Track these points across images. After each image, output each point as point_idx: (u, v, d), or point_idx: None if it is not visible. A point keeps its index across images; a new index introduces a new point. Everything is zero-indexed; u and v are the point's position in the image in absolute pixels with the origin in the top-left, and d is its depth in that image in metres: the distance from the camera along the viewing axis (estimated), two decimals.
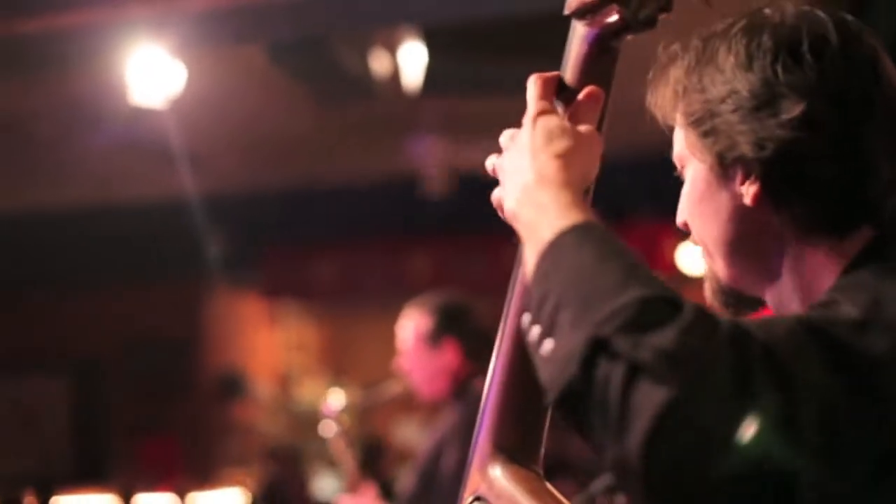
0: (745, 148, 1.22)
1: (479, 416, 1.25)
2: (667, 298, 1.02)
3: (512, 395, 1.22)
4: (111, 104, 7.04)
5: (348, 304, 11.51)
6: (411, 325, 3.72)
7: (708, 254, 1.32)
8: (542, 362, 1.03)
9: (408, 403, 4.16)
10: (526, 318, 1.07)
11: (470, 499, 1.18)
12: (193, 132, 8.05)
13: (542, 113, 1.22)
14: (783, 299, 1.24)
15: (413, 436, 12.85)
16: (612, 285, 1.02)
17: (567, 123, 1.22)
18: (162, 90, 5.66)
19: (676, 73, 1.30)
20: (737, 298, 1.31)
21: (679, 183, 1.41)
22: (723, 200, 1.27)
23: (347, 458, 4.02)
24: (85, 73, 6.47)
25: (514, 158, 1.21)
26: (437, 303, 3.75)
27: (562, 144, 1.19)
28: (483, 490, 1.17)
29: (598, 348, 0.98)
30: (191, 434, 11.65)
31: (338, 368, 14.10)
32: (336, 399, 4.15)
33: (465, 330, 3.63)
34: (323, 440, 13.27)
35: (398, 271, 10.81)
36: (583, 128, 1.22)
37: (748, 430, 0.97)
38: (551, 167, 1.17)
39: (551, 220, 1.12)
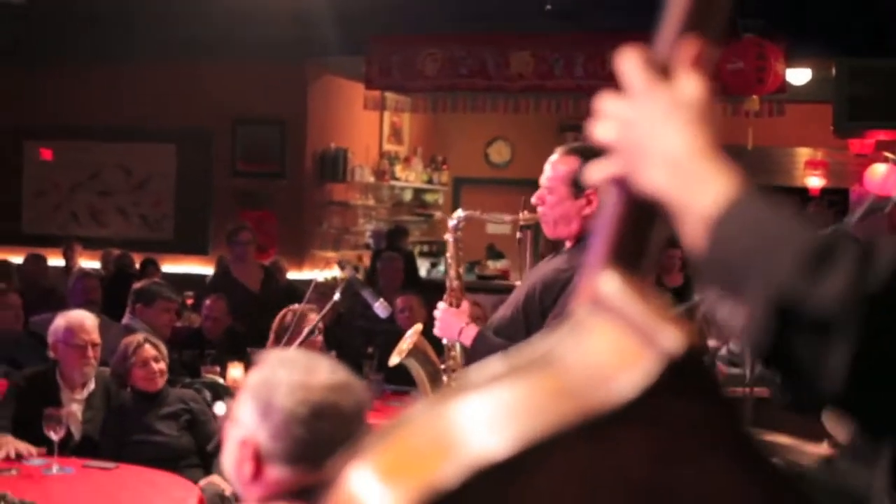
0: None
1: (598, 226, 1.22)
2: (831, 246, 1.05)
3: (632, 208, 1.21)
4: None
5: (448, 96, 11.54)
6: (558, 164, 3.73)
7: None
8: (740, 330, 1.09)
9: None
10: (713, 291, 1.12)
11: (582, 307, 1.17)
12: None
13: (660, 78, 1.18)
14: None
15: (504, 229, 13.09)
16: (785, 241, 1.06)
17: (690, 88, 1.18)
18: None
19: None
20: None
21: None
22: None
23: (453, 273, 4.06)
24: None
25: (648, 130, 1.19)
26: (588, 150, 3.68)
27: (693, 110, 1.16)
28: (595, 298, 1.16)
29: (779, 313, 1.04)
30: (289, 212, 11.93)
31: (432, 158, 14.29)
32: (458, 215, 4.13)
33: None
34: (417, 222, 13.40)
35: (501, 67, 10.80)
36: (698, 88, 1.17)
37: None
38: (693, 136, 1.16)
39: (712, 192, 1.13)
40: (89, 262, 11.40)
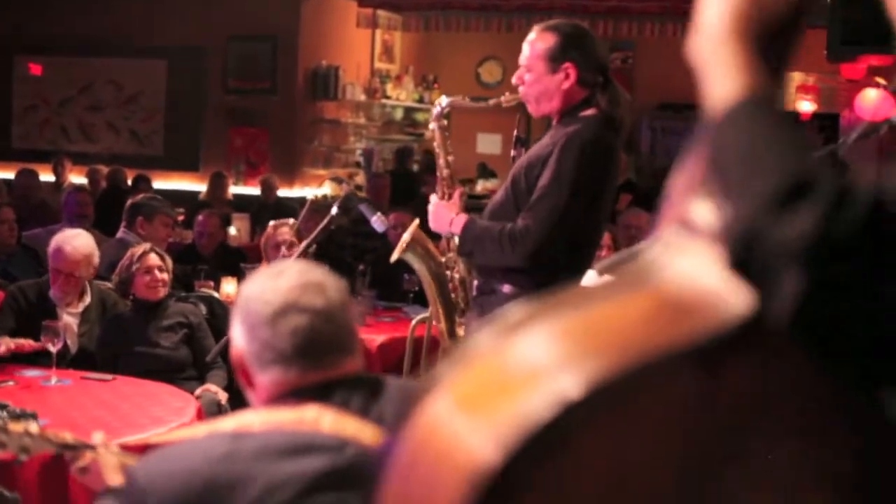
0: None
1: (690, 150, 1.23)
2: (808, 183, 1.04)
3: None
4: None
5: (440, 14, 11.46)
6: (536, 42, 3.72)
7: None
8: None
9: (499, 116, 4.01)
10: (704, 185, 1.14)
11: (671, 230, 1.17)
12: None
13: None
14: None
15: (494, 149, 13.08)
16: (768, 167, 1.06)
17: None
18: None
19: None
20: None
21: None
22: None
23: (443, 162, 4.03)
24: None
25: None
26: (563, 26, 3.76)
27: None
28: (684, 221, 1.16)
29: (744, 241, 1.05)
30: (280, 129, 11.88)
31: (423, 77, 14.21)
32: (441, 101, 4.08)
33: (585, 56, 3.67)
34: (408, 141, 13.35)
35: None
36: None
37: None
38: (733, 15, 1.17)
39: (729, 85, 1.15)
40: (79, 178, 11.37)
